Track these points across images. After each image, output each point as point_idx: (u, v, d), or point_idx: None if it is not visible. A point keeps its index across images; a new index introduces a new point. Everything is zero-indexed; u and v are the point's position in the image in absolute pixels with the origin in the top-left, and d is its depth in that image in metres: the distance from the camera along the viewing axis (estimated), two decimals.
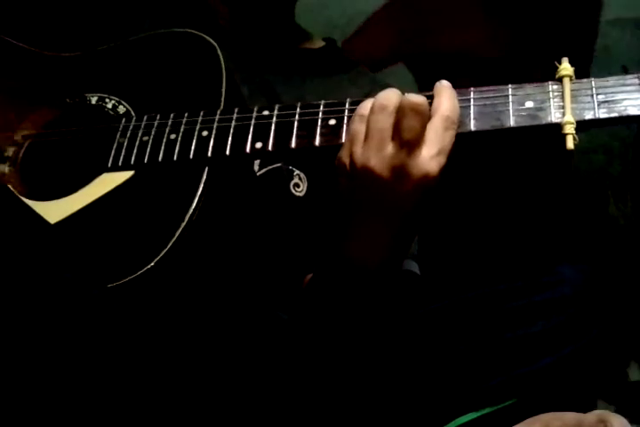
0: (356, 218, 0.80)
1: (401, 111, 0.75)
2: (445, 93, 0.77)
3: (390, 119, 0.76)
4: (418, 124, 0.75)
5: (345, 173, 0.78)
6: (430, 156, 0.75)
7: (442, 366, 0.93)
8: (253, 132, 0.84)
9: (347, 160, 0.78)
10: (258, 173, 0.99)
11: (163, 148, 0.87)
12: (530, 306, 0.89)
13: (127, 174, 0.88)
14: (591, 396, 0.91)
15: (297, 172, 1.02)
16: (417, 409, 0.94)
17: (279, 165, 1.00)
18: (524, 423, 0.83)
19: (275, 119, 0.84)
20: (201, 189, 0.84)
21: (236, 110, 0.86)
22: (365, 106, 0.78)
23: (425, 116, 0.75)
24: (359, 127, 0.78)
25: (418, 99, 0.75)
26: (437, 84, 0.79)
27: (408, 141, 0.75)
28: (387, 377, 0.97)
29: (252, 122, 0.85)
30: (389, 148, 0.75)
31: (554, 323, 0.88)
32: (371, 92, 1.05)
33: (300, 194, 1.02)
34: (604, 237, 0.96)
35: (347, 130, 0.80)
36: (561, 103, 0.76)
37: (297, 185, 1.02)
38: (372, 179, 0.76)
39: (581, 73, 0.77)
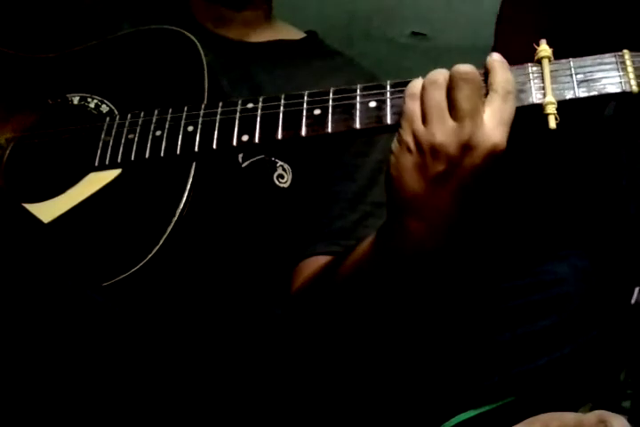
0: (421, 196, 0.78)
1: (452, 82, 0.75)
2: (498, 66, 0.77)
3: (443, 92, 0.76)
4: (472, 92, 0.74)
5: (411, 152, 0.77)
6: (495, 125, 0.74)
7: (442, 363, 0.93)
8: (239, 125, 0.85)
9: (410, 139, 0.77)
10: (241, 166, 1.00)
11: (149, 145, 0.87)
12: (529, 305, 0.89)
13: (115, 173, 0.88)
14: (590, 396, 0.92)
15: (280, 163, 1.02)
16: (417, 407, 0.94)
17: (262, 156, 1.01)
18: (524, 423, 0.84)
19: (260, 111, 0.84)
20: (190, 183, 0.84)
21: (220, 104, 0.86)
22: (414, 85, 0.78)
23: (477, 85, 0.75)
24: (413, 106, 0.77)
25: (465, 67, 0.75)
26: (488, 58, 0.79)
27: (468, 112, 0.74)
28: (387, 375, 0.98)
29: (238, 115, 0.85)
30: (450, 121, 0.75)
31: (553, 322, 0.88)
32: (353, 81, 1.07)
33: (285, 185, 1.02)
34: (604, 236, 0.97)
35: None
36: (541, 84, 0.77)
37: (281, 176, 1.02)
38: (442, 154, 0.75)
39: None
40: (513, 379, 0.89)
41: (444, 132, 0.75)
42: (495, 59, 0.78)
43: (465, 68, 0.75)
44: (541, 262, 0.92)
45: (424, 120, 0.76)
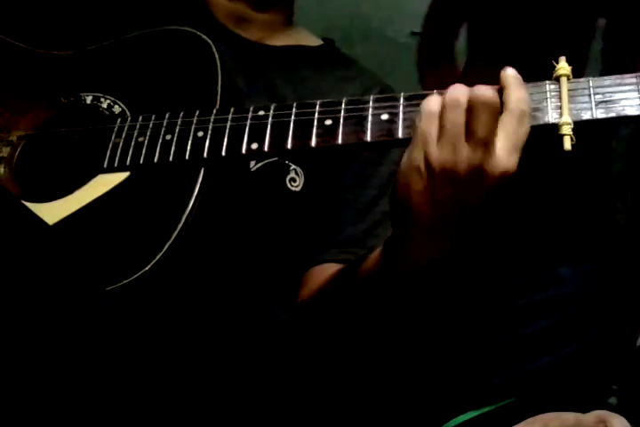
0: (427, 216, 0.76)
1: (473, 108, 0.73)
2: (513, 83, 0.75)
3: (463, 117, 0.73)
4: (490, 118, 0.72)
5: (421, 173, 0.75)
6: (507, 152, 0.72)
7: (442, 364, 0.93)
8: (249, 132, 0.84)
9: (421, 161, 0.74)
10: (253, 168, 0.99)
11: (158, 148, 0.86)
12: (530, 305, 0.89)
13: (123, 175, 0.87)
14: (590, 395, 0.91)
15: (293, 166, 1.01)
16: (417, 407, 0.94)
17: (275, 159, 1.00)
18: (524, 423, 0.83)
19: (270, 119, 0.83)
20: (197, 189, 0.84)
21: (231, 110, 0.86)
22: (432, 103, 0.75)
23: (496, 110, 0.73)
24: (430, 126, 0.74)
25: (488, 93, 0.72)
26: (502, 73, 0.76)
27: (483, 139, 0.72)
28: (387, 376, 0.97)
29: (248, 122, 0.84)
30: (466, 147, 0.73)
31: (554, 322, 0.88)
32: (368, 90, 1.06)
33: (297, 189, 1.01)
34: (604, 237, 0.95)
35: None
36: (558, 103, 0.75)
37: (293, 180, 1.01)
38: (452, 178, 0.73)
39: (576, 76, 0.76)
40: (513, 379, 0.89)
41: (457, 156, 0.73)
42: (510, 74, 0.75)
43: (486, 93, 0.72)
44: (544, 263, 0.91)
45: (438, 141, 0.74)
